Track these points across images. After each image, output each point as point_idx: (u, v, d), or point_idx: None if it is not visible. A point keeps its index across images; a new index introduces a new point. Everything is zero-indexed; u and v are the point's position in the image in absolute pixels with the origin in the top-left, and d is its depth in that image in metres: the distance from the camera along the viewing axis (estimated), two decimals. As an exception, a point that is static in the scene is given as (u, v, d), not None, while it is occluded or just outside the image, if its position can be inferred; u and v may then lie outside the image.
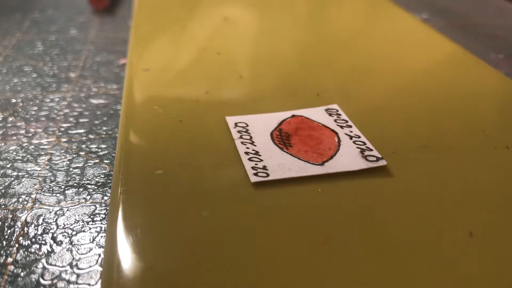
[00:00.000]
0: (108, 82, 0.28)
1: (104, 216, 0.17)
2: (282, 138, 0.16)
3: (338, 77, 0.21)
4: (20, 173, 0.20)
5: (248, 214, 0.13)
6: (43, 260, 0.15)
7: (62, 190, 0.19)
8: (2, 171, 0.20)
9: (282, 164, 0.15)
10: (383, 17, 0.29)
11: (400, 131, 0.16)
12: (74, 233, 0.16)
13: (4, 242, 0.16)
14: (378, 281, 0.11)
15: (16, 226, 0.17)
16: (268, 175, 0.14)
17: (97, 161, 0.20)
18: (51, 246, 0.16)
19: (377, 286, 0.11)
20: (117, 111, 0.24)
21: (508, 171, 0.15)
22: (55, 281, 0.15)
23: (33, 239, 0.16)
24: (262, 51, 0.23)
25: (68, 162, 0.20)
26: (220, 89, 0.19)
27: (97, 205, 0.18)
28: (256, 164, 0.15)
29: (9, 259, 0.15)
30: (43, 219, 0.17)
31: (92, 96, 0.26)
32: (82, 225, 0.17)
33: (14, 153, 0.21)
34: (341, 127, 0.17)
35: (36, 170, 0.20)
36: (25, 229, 0.17)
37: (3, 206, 0.18)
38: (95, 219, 0.17)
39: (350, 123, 0.17)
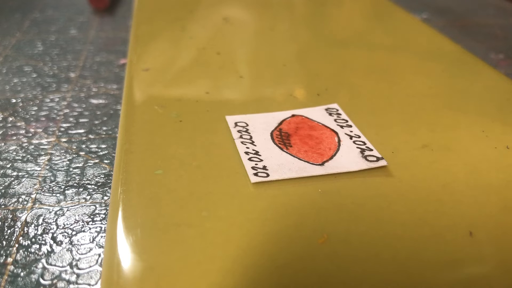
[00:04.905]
0: (108, 82, 0.28)
1: (104, 216, 0.17)
2: (282, 138, 0.16)
3: (338, 77, 0.21)
4: (20, 173, 0.20)
5: (248, 214, 0.13)
6: (43, 260, 0.15)
7: (62, 190, 0.19)
8: (2, 171, 0.20)
9: (282, 164, 0.15)
10: (383, 17, 0.29)
11: (400, 131, 0.16)
12: (74, 233, 0.16)
13: (4, 242, 0.16)
14: (378, 281, 0.11)
15: (16, 226, 0.17)
16: (268, 175, 0.14)
17: (97, 161, 0.20)
18: (51, 246, 0.16)
19: (377, 286, 0.11)
20: (117, 111, 0.24)
21: (508, 171, 0.15)
22: (55, 281, 0.15)
23: (33, 239, 0.16)
24: (262, 51, 0.23)
25: (68, 162, 0.20)
26: (220, 89, 0.19)
27: (97, 205, 0.18)
28: (256, 164, 0.15)
29: (9, 259, 0.15)
30: (43, 219, 0.17)
31: (92, 96, 0.26)
32: (82, 225, 0.17)
33: (14, 153, 0.21)
34: (341, 126, 0.17)
35: (36, 170, 0.20)
36: (25, 229, 0.17)
37: (3, 206, 0.18)
38: (95, 219, 0.17)
39: (350, 122, 0.17)
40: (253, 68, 0.21)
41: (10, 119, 0.24)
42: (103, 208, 0.18)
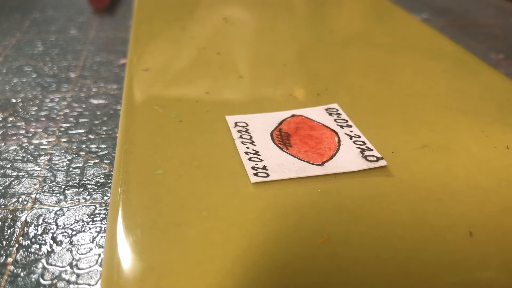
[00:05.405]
0: (108, 82, 0.28)
1: (104, 216, 0.17)
2: (282, 138, 0.16)
3: (338, 77, 0.21)
4: (20, 173, 0.20)
5: (248, 214, 0.13)
6: (43, 260, 0.15)
7: (62, 190, 0.19)
8: (2, 171, 0.20)
9: (282, 164, 0.15)
10: (383, 17, 0.29)
11: (400, 131, 0.16)
12: (74, 233, 0.16)
13: (4, 242, 0.16)
14: (378, 281, 0.11)
15: (16, 226, 0.17)
16: (268, 175, 0.14)
17: (97, 161, 0.20)
18: (51, 246, 0.16)
19: (377, 286, 0.11)
20: (117, 111, 0.24)
21: (508, 171, 0.15)
22: (55, 281, 0.15)
23: (33, 239, 0.16)
24: (262, 51, 0.23)
25: (68, 162, 0.20)
26: (220, 89, 0.19)
27: (97, 205, 0.18)
28: (256, 164, 0.15)
29: (9, 259, 0.15)
30: (43, 219, 0.17)
31: (92, 96, 0.26)
32: (82, 225, 0.17)
33: (14, 153, 0.21)
34: (341, 126, 0.17)
35: (36, 170, 0.20)
36: (25, 229, 0.17)
37: (3, 206, 0.18)
38: (95, 219, 0.17)
39: (350, 122, 0.17)
40: (253, 68, 0.21)
41: (10, 119, 0.24)
42: (103, 208, 0.18)
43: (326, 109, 0.18)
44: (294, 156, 0.15)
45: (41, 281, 0.15)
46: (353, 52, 0.23)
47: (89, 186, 0.19)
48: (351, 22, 0.28)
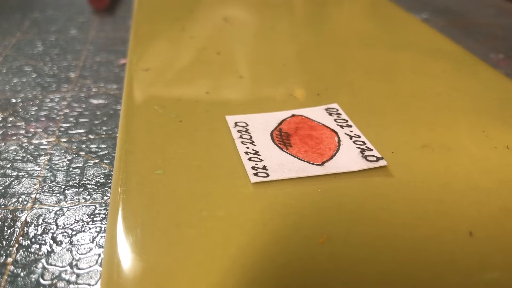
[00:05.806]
0: (108, 82, 0.28)
1: (104, 216, 0.17)
2: (282, 137, 0.16)
3: (338, 76, 0.21)
4: (20, 173, 0.20)
5: (248, 214, 0.13)
6: (43, 260, 0.15)
7: (62, 190, 0.19)
8: (2, 171, 0.20)
9: (282, 164, 0.15)
10: (383, 17, 0.29)
11: (400, 131, 0.16)
12: (74, 233, 0.16)
13: (4, 242, 0.16)
14: (378, 281, 0.11)
15: (16, 226, 0.17)
16: (268, 175, 0.14)
17: (97, 161, 0.20)
18: (51, 246, 0.16)
19: (377, 286, 0.11)
20: (117, 111, 0.24)
21: (508, 171, 0.15)
22: (55, 281, 0.15)
23: (33, 239, 0.16)
24: (262, 51, 0.23)
25: (68, 162, 0.20)
26: (220, 89, 0.19)
27: (97, 205, 0.18)
28: (256, 164, 0.15)
29: (9, 259, 0.15)
30: (43, 219, 0.17)
31: (92, 96, 0.26)
32: (82, 225, 0.17)
33: (14, 153, 0.21)
34: (341, 126, 0.17)
35: (36, 170, 0.20)
36: (25, 229, 0.17)
37: (3, 206, 0.18)
38: (95, 219, 0.17)
39: (350, 122, 0.17)
40: (253, 68, 0.21)
41: (10, 119, 0.24)
42: (103, 208, 0.18)
43: (326, 109, 0.18)
44: (294, 156, 0.15)
45: (41, 281, 0.15)
46: (353, 52, 0.23)
47: (89, 186, 0.19)
48: (351, 22, 0.28)
